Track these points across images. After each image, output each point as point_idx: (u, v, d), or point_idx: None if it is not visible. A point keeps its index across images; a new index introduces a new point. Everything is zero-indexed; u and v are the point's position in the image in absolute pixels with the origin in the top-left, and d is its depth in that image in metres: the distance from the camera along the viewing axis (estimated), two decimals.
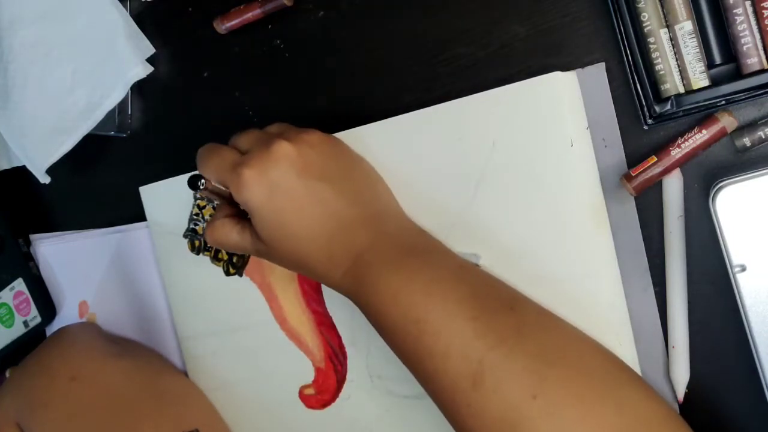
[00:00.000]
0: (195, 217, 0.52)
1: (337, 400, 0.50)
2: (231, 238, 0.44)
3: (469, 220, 0.43)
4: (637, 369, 0.41)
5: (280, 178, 0.40)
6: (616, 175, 0.41)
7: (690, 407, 0.40)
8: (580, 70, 0.41)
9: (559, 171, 0.41)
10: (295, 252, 0.42)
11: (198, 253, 0.52)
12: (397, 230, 0.43)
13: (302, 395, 0.51)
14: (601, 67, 0.41)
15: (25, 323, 0.61)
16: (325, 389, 0.50)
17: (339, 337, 0.49)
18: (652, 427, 0.36)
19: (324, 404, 0.50)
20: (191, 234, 0.51)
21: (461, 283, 0.40)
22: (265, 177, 0.40)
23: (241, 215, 0.45)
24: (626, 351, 0.40)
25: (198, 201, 0.52)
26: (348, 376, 0.49)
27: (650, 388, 0.39)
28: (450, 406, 0.38)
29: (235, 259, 0.51)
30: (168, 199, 0.53)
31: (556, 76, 0.40)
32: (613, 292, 0.41)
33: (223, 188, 0.43)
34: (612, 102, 0.41)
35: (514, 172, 0.42)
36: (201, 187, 0.42)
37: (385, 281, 0.40)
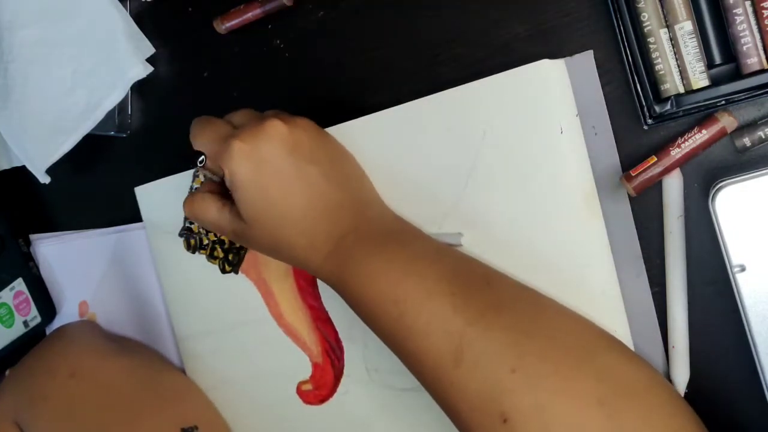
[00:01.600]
0: None
1: (335, 395, 0.50)
2: (209, 213, 0.43)
3: (462, 210, 0.43)
4: None
5: (270, 154, 0.40)
6: (607, 163, 0.41)
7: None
8: (568, 58, 0.41)
9: (549, 158, 0.41)
10: (276, 233, 0.41)
11: (194, 252, 0.52)
12: (378, 217, 0.43)
13: (300, 391, 0.51)
14: (589, 55, 0.41)
15: (25, 323, 0.61)
16: (322, 384, 0.50)
17: (335, 332, 0.49)
18: (634, 392, 0.36)
19: (322, 400, 0.50)
20: (187, 233, 0.51)
21: (438, 262, 0.40)
22: (256, 151, 0.40)
23: (225, 195, 0.44)
24: None
25: None
26: (345, 370, 0.49)
27: (632, 353, 0.39)
28: (433, 383, 0.38)
29: (230, 257, 0.51)
30: (163, 199, 0.53)
31: (544, 63, 0.40)
32: (607, 279, 0.40)
33: (218, 168, 0.43)
34: (601, 90, 0.41)
35: (504, 160, 0.42)
36: (200, 164, 0.42)
37: (365, 263, 0.40)
